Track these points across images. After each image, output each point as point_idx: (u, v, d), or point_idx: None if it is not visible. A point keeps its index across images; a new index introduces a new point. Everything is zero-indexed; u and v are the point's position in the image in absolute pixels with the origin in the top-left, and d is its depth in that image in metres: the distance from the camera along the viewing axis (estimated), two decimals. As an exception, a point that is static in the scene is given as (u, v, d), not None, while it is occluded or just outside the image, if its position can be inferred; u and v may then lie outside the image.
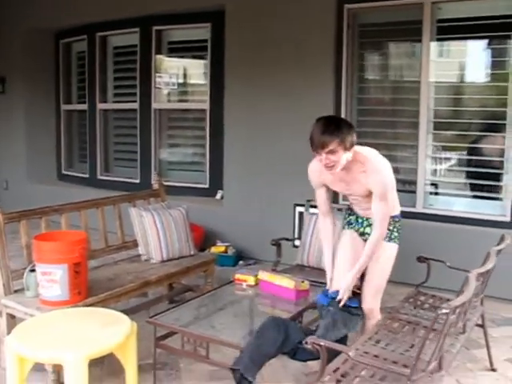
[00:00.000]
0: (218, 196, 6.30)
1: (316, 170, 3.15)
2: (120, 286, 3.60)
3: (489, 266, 2.84)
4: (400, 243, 3.22)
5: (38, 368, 2.91)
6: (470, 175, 5.04)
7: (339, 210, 3.95)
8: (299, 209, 5.12)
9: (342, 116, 5.21)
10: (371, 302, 3.20)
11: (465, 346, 3.52)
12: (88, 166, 7.60)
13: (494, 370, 3.41)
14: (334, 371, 2.47)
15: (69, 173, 8.04)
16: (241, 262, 5.63)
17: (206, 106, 6.38)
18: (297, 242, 4.59)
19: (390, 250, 3.22)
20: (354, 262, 3.15)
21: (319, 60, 5.25)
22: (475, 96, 5.00)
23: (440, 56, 5.01)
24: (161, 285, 4.13)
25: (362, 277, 3.21)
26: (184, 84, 6.92)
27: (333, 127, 2.92)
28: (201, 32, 6.35)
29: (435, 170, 5.08)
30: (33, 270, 3.30)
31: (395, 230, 3.24)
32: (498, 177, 4.74)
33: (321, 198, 3.30)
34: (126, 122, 7.23)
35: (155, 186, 4.72)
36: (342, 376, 2.45)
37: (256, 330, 2.92)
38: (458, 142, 5.05)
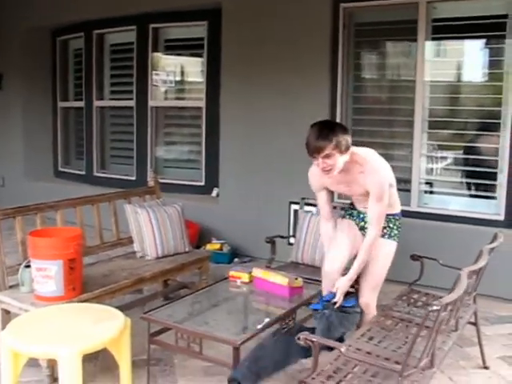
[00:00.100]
0: (214, 193, 6.31)
1: (316, 173, 3.21)
2: (115, 283, 3.61)
3: (481, 263, 2.86)
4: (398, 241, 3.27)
5: (33, 363, 2.93)
6: (464, 174, 5.06)
7: (334, 207, 3.96)
8: (294, 207, 5.14)
9: (338, 114, 5.25)
10: (368, 296, 3.26)
11: (458, 344, 3.55)
12: (84, 163, 7.61)
13: (486, 367, 3.42)
14: (326, 367, 2.48)
15: (65, 170, 8.05)
16: (236, 260, 5.64)
17: (203, 103, 6.39)
18: (291, 240, 4.60)
19: (390, 246, 3.29)
20: (351, 245, 3.22)
21: (315, 58, 5.26)
22: (470, 95, 5.01)
23: (435, 55, 5.03)
24: (156, 281, 4.14)
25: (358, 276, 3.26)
26: (180, 82, 6.93)
27: (326, 131, 2.98)
28: (197, 30, 6.36)
29: (430, 169, 5.10)
30: (28, 266, 3.31)
31: (395, 227, 3.29)
32: (492, 176, 4.76)
33: (321, 200, 3.36)
34: (123, 119, 7.23)
35: (151, 183, 4.73)
36: (334, 372, 2.47)
37: (257, 344, 3.00)
38: (452, 141, 5.07)
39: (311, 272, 3.87)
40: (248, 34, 5.63)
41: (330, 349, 2.55)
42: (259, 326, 2.98)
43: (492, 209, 4.79)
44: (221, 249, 5.66)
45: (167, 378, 3.29)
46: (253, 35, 5.59)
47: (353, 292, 3.34)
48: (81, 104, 7.56)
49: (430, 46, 4.89)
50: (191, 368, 3.38)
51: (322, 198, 3.35)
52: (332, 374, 2.44)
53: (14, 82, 7.88)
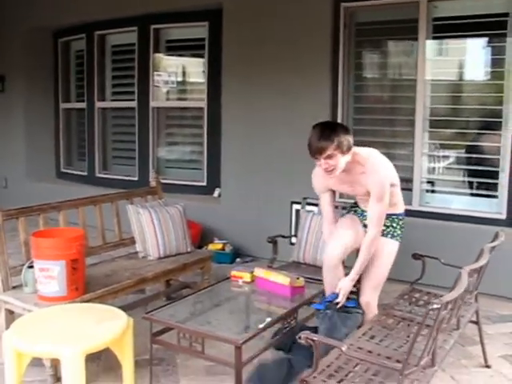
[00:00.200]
0: (216, 194, 6.32)
1: (320, 175, 3.22)
2: (117, 283, 3.62)
3: (482, 262, 2.86)
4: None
5: (36, 363, 2.94)
6: (466, 173, 5.05)
7: (336, 207, 3.97)
8: (296, 206, 5.15)
9: (339, 114, 5.25)
10: (369, 295, 3.26)
11: (459, 343, 3.56)
12: (86, 164, 7.63)
13: (488, 366, 3.42)
14: (328, 366, 2.49)
15: (67, 171, 8.06)
16: (238, 260, 5.65)
17: (204, 104, 6.40)
18: (293, 240, 4.61)
19: (392, 246, 3.29)
20: (354, 235, 3.24)
21: (316, 58, 5.26)
22: (471, 94, 5.01)
23: (436, 54, 5.03)
24: (158, 281, 4.15)
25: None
26: (182, 82, 6.94)
27: (328, 132, 2.99)
28: (199, 30, 6.37)
29: (432, 168, 5.10)
30: (31, 267, 3.32)
31: (398, 227, 3.30)
32: (494, 174, 4.76)
33: (325, 202, 3.37)
34: (125, 120, 7.25)
35: (153, 183, 4.74)
36: (336, 371, 2.47)
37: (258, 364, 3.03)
38: (454, 140, 5.07)
39: (313, 271, 3.87)
40: (249, 34, 5.64)
41: None
42: (261, 326, 2.99)
43: (494, 208, 4.79)
44: (223, 249, 5.67)
45: (170, 378, 3.30)
46: (254, 35, 5.60)
47: (354, 292, 3.35)
48: (83, 105, 7.58)
49: (430, 45, 4.89)
50: (193, 367, 3.39)
51: (325, 200, 3.36)
52: (333, 373, 2.45)
53: (16, 83, 7.90)
